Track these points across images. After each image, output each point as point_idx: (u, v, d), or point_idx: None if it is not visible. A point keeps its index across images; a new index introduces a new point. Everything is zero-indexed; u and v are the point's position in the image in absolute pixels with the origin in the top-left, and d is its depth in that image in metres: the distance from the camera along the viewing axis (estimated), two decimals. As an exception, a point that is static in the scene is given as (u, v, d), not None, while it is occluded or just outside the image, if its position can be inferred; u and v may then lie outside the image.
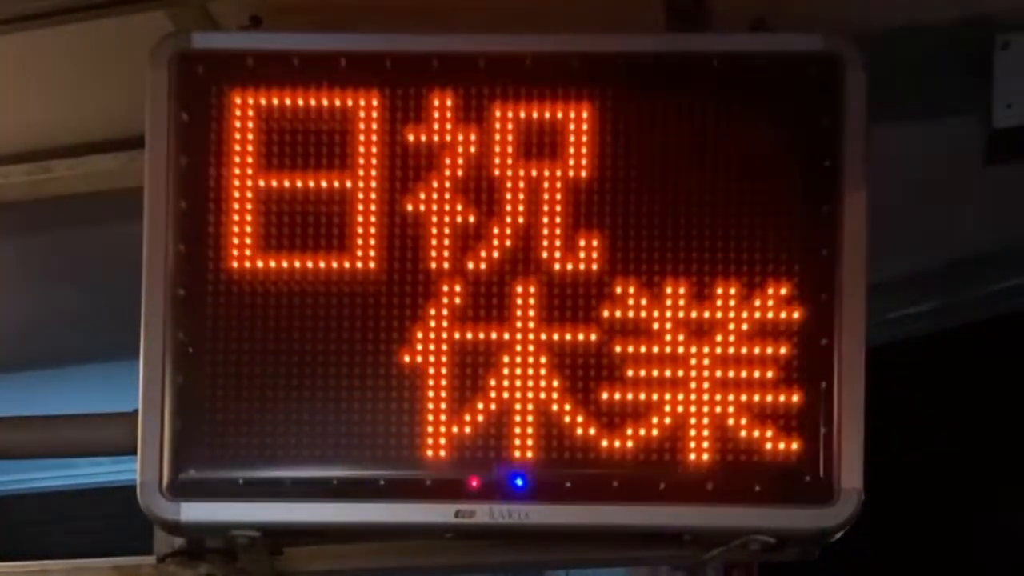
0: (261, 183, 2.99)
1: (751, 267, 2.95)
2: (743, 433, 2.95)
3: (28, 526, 5.84)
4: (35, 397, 4.34)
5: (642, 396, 2.96)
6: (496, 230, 2.97)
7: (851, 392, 2.94)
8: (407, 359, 2.98)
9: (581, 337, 2.97)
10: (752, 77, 2.96)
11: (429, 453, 2.97)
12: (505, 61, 2.96)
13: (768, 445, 2.95)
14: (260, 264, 2.99)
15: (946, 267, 4.35)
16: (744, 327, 2.96)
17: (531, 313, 2.97)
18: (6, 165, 3.54)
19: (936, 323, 4.54)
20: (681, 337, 2.96)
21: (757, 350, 2.96)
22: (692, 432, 2.96)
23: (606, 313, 2.96)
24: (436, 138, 2.97)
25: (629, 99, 2.95)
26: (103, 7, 2.86)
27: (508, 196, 2.97)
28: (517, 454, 2.96)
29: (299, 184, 2.98)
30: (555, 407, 2.97)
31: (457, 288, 2.97)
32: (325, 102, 2.97)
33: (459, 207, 2.98)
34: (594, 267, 2.96)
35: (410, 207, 2.98)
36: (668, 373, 2.96)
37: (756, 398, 2.96)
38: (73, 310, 4.36)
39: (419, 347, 2.98)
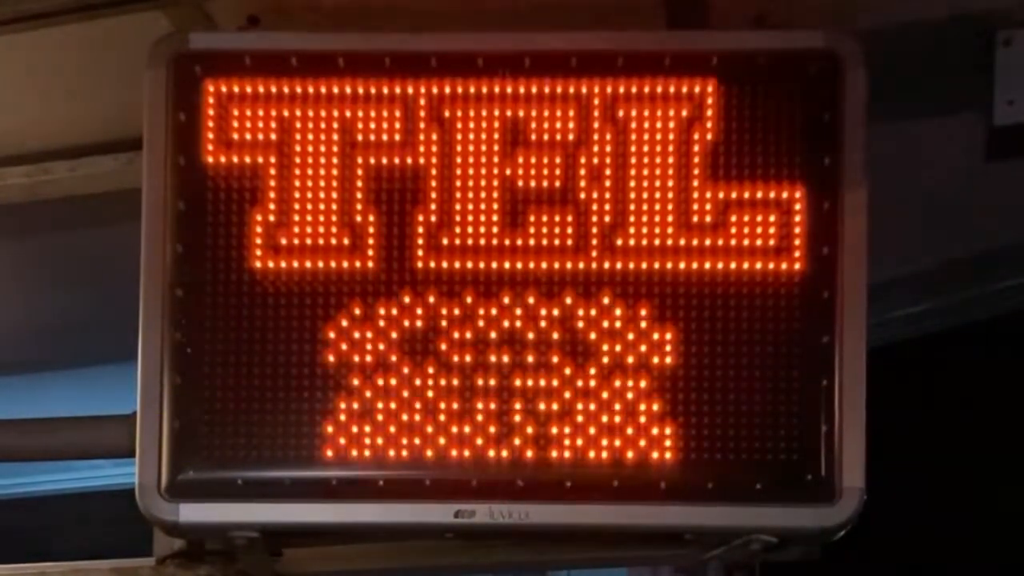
0: (259, 183, 2.99)
1: (751, 264, 2.95)
2: (744, 432, 2.94)
3: (27, 530, 5.84)
4: (34, 399, 4.34)
5: (643, 394, 2.95)
6: (495, 230, 2.97)
7: (853, 390, 2.93)
8: (406, 360, 2.97)
9: (581, 336, 2.96)
10: (752, 74, 2.95)
11: (429, 453, 2.97)
12: (503, 60, 2.95)
13: (769, 444, 2.94)
14: (258, 264, 2.98)
15: (948, 265, 4.35)
16: (745, 325, 2.95)
17: (529, 313, 2.96)
18: (4, 167, 3.54)
19: (938, 322, 4.54)
20: (682, 335, 2.95)
21: (758, 348, 2.95)
22: (692, 431, 2.95)
23: (606, 300, 2.96)
24: (435, 135, 2.97)
25: (629, 97, 2.95)
26: (100, 8, 2.87)
27: (508, 194, 2.97)
28: (517, 453, 2.96)
29: (297, 184, 2.98)
30: (555, 406, 2.96)
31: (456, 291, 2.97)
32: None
33: (457, 206, 2.97)
34: (593, 265, 2.96)
35: (408, 206, 2.98)
36: (669, 372, 2.95)
37: (757, 396, 2.95)
38: (72, 311, 4.36)
39: (418, 348, 2.98)
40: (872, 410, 2.94)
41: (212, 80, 2.97)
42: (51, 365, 4.82)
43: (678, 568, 4.01)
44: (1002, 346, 4.54)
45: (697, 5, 3.09)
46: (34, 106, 3.46)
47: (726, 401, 2.95)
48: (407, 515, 2.98)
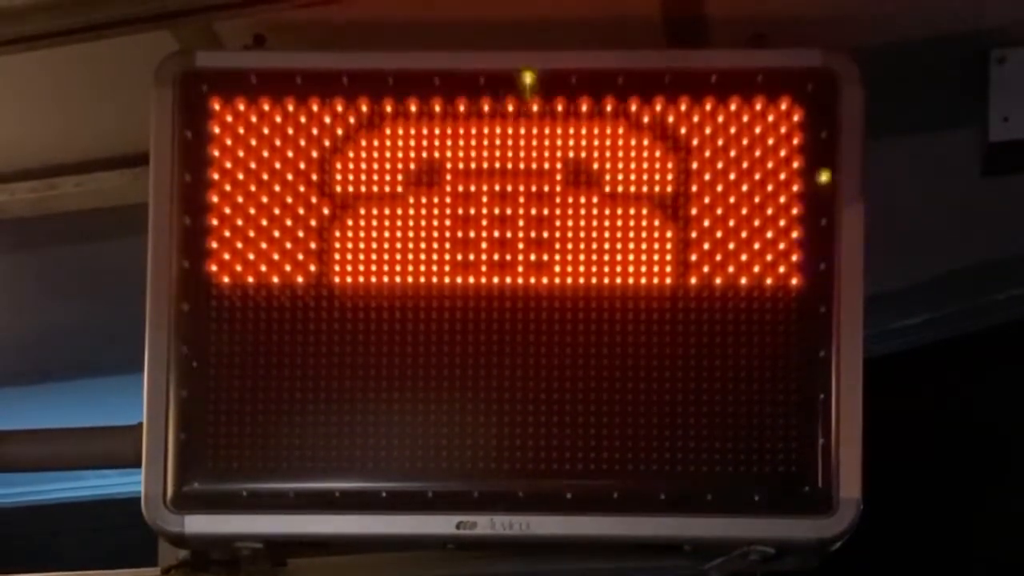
0: (264, 199, 3.02)
1: (749, 279, 2.98)
2: (742, 444, 2.97)
3: (33, 538, 5.84)
4: (40, 410, 4.35)
5: (643, 408, 2.98)
6: (484, 246, 2.99)
7: (849, 403, 2.96)
8: (408, 372, 3.00)
9: (582, 350, 2.99)
10: (751, 92, 2.98)
11: (431, 465, 2.99)
12: (505, 78, 2.98)
13: (767, 456, 2.97)
14: (263, 280, 3.01)
15: (945, 278, 4.37)
16: (742, 339, 2.98)
17: (531, 326, 2.99)
18: (11, 182, 3.57)
19: (936, 333, 4.56)
20: (680, 350, 2.98)
21: (756, 361, 2.98)
22: (692, 443, 2.98)
23: (605, 315, 2.98)
24: (437, 155, 3.00)
25: (628, 115, 2.98)
26: (109, 27, 2.88)
27: (508, 211, 3.00)
28: (518, 465, 2.98)
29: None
30: (555, 418, 2.99)
31: (458, 303, 3.00)
32: (328, 120, 3.00)
33: (460, 223, 3.00)
34: (580, 280, 2.98)
35: (411, 223, 3.01)
36: (668, 385, 2.98)
37: (756, 409, 2.97)
38: (78, 324, 4.38)
39: (420, 360, 3.00)
40: (870, 421, 2.96)
41: (218, 98, 3.00)
42: (58, 376, 4.84)
43: (677, 578, 4.03)
44: (1000, 357, 4.56)
45: (696, 24, 3.12)
46: (41, 122, 3.48)
47: (725, 414, 2.98)
48: (409, 526, 3.00)
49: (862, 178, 2.96)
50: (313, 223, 3.01)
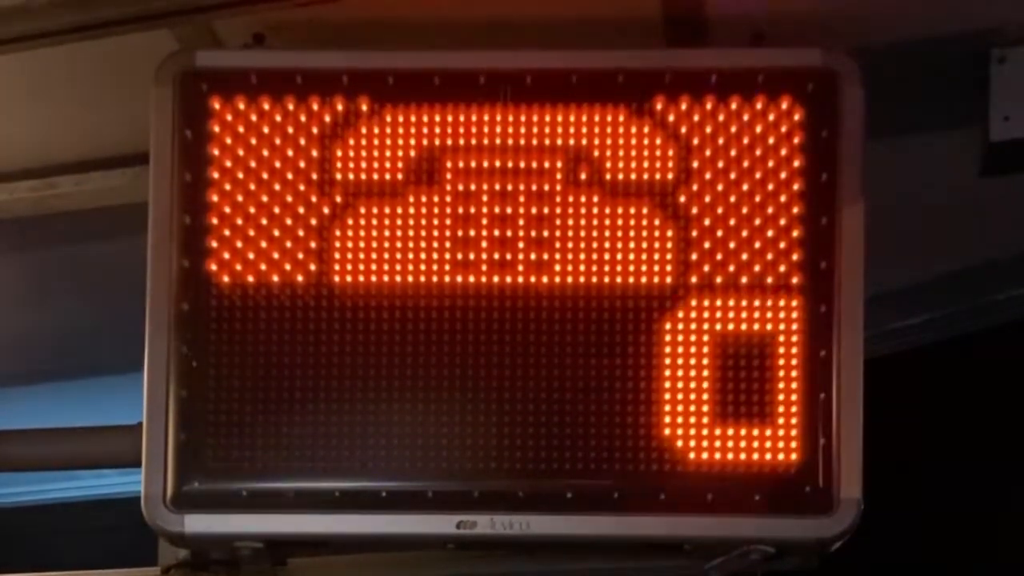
0: (264, 198, 3.02)
1: (750, 279, 2.98)
2: (743, 443, 2.97)
3: (32, 538, 5.85)
4: (40, 410, 4.36)
5: (643, 407, 2.98)
6: (484, 244, 3.00)
7: (850, 403, 2.96)
8: (408, 372, 3.00)
9: (582, 350, 2.99)
10: (751, 92, 2.98)
11: (431, 464, 2.99)
12: (506, 78, 2.99)
13: (768, 456, 2.97)
14: (263, 279, 3.01)
15: (945, 278, 4.38)
16: (743, 338, 2.98)
17: (531, 326, 3.00)
18: (12, 181, 3.57)
19: (936, 333, 4.56)
20: (680, 349, 2.98)
21: (756, 361, 2.98)
22: (692, 443, 2.98)
23: (605, 316, 2.99)
24: (437, 153, 3.00)
25: (629, 114, 2.98)
26: (109, 26, 2.88)
27: (509, 210, 3.00)
28: (518, 465, 2.98)
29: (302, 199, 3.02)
30: (556, 417, 2.99)
31: (458, 303, 3.00)
32: (328, 119, 3.01)
33: (460, 221, 3.00)
34: (581, 279, 2.99)
35: (411, 221, 3.01)
36: (668, 384, 2.98)
37: (756, 409, 2.98)
38: (78, 324, 4.38)
39: (420, 359, 3.01)
40: (870, 421, 2.97)
41: (218, 97, 3.00)
42: (57, 376, 4.84)
43: (678, 578, 4.03)
44: (1000, 357, 4.57)
45: (696, 23, 3.12)
46: (41, 121, 3.48)
47: (724, 414, 2.98)
48: (409, 526, 3.01)
49: (862, 178, 2.97)
50: (313, 222, 3.02)
